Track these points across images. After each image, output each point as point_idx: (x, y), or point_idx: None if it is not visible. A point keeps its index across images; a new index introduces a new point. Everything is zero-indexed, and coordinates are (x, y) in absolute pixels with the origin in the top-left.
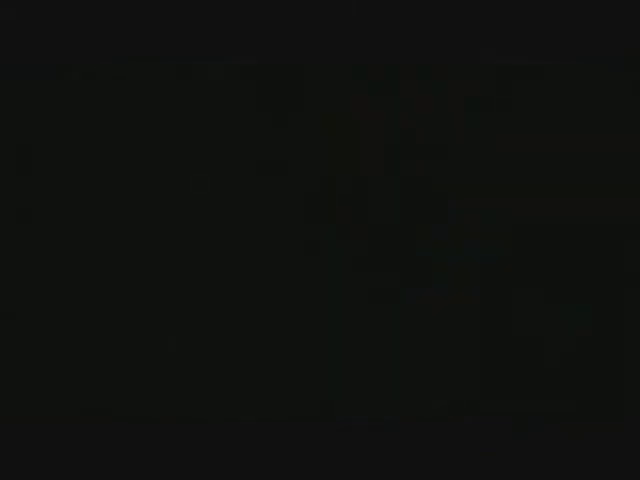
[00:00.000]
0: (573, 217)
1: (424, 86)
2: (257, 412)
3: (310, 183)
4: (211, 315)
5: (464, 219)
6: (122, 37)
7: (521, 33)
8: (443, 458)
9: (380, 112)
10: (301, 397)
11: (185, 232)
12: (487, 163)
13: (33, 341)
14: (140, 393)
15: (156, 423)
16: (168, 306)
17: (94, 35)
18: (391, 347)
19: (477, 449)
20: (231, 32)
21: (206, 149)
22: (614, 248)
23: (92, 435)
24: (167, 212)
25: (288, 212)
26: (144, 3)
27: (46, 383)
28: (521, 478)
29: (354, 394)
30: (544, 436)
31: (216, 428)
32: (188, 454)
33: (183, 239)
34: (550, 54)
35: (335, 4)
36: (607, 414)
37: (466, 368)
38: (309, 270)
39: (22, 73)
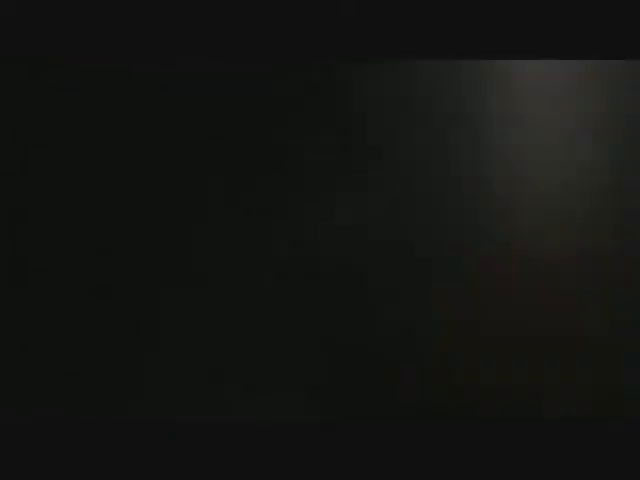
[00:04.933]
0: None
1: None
2: (257, 412)
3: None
4: (210, 315)
5: None
6: (122, 37)
7: (521, 33)
8: (443, 458)
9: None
10: (301, 397)
11: (184, 232)
12: None
13: (34, 340)
14: (140, 393)
15: (156, 423)
16: (168, 306)
17: (94, 35)
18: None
19: (477, 449)
20: (231, 32)
21: (206, 149)
22: (614, 248)
23: (92, 435)
24: (167, 212)
25: (287, 212)
26: (144, 3)
27: (45, 381)
28: (521, 478)
29: (354, 394)
30: (544, 436)
31: (216, 428)
32: (188, 454)
33: (182, 239)
34: (550, 54)
35: (335, 4)
36: (607, 414)
37: (466, 368)
38: (308, 270)
39: (22, 73)
